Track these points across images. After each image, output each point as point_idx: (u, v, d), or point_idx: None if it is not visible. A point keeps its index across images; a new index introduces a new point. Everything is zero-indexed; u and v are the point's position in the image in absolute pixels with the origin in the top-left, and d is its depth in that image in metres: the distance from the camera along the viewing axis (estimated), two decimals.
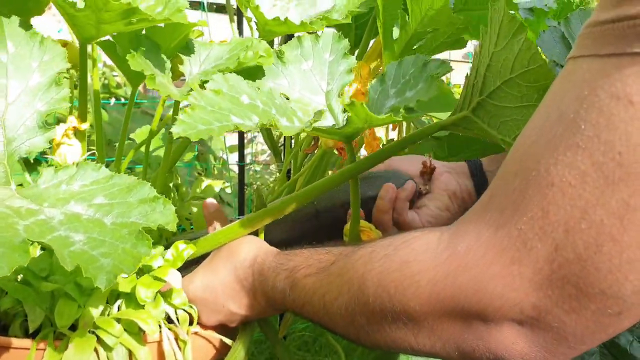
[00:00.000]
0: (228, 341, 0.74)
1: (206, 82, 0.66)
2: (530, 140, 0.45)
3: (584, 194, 0.40)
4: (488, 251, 0.44)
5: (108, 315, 0.68)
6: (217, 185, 1.19)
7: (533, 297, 0.43)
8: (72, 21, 0.67)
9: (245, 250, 0.73)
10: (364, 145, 0.96)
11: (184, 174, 1.58)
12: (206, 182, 1.20)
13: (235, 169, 1.67)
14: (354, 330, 0.56)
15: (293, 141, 1.13)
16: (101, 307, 0.67)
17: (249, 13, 0.87)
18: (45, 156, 0.89)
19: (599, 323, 0.42)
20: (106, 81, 1.78)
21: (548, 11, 0.77)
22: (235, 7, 1.22)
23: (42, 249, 0.71)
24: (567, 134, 0.41)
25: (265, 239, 0.79)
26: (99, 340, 0.65)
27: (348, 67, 0.76)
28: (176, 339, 0.70)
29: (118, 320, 0.67)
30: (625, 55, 0.39)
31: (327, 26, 0.84)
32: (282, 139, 1.36)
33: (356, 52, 1.06)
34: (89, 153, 0.83)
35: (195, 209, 1.11)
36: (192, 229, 1.14)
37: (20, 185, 0.91)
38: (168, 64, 0.76)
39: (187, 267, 0.77)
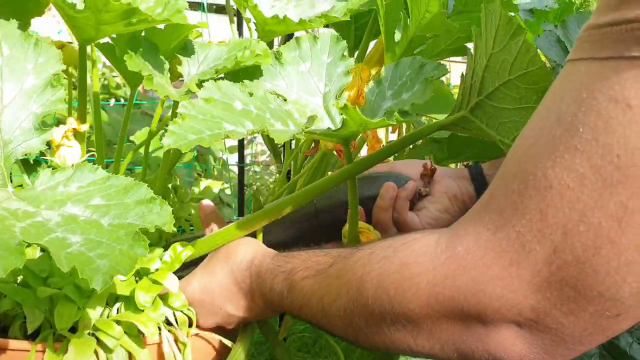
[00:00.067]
0: (228, 342, 0.74)
1: (204, 81, 0.65)
2: (529, 142, 0.45)
3: (582, 196, 0.40)
4: (487, 253, 0.45)
5: (107, 317, 0.68)
6: (217, 186, 1.19)
7: (532, 299, 0.43)
8: (71, 22, 0.66)
9: (242, 252, 0.73)
10: (365, 146, 0.96)
11: (183, 174, 1.58)
12: (205, 183, 1.20)
13: (235, 169, 1.67)
14: (353, 332, 0.56)
15: (293, 142, 1.13)
16: (100, 309, 0.67)
17: (247, 14, 0.87)
18: (45, 157, 0.89)
19: (597, 325, 0.43)
20: (106, 82, 1.78)
21: (549, 12, 0.77)
22: (235, 7, 1.22)
23: (42, 250, 0.71)
24: (566, 137, 0.41)
25: (265, 239, 0.79)
26: (99, 342, 0.65)
27: (346, 69, 0.76)
28: (176, 341, 0.70)
29: (118, 322, 0.67)
30: (623, 58, 0.39)
31: (326, 24, 0.84)
32: None
33: (356, 54, 1.06)
34: (88, 154, 0.83)
35: (194, 211, 1.11)
36: (192, 229, 1.14)
37: (20, 186, 0.92)
38: (166, 65, 0.76)
39: (186, 268, 0.77)
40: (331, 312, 0.57)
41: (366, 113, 0.71)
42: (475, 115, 0.65)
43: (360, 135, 0.86)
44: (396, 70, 0.72)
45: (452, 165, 1.76)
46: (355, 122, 0.61)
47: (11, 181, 1.25)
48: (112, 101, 1.79)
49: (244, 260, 0.71)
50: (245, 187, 1.46)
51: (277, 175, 1.68)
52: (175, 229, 1.04)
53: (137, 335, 0.68)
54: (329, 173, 1.06)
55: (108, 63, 1.10)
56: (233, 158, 1.86)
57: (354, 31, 1.05)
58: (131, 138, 1.27)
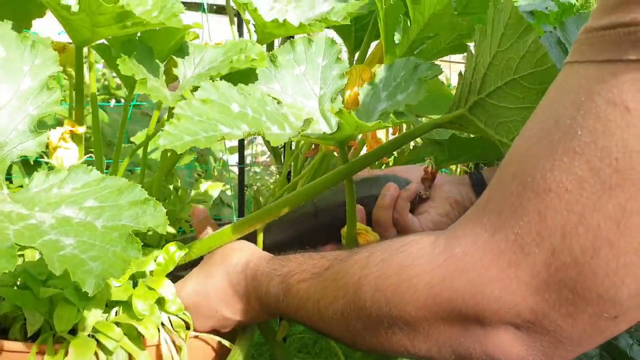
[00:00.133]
0: (227, 343, 0.74)
1: (198, 87, 0.65)
2: (528, 144, 0.45)
3: (580, 199, 0.40)
4: (485, 254, 0.45)
5: (107, 319, 0.68)
6: (217, 187, 1.19)
7: (530, 301, 0.43)
8: (67, 24, 0.66)
9: (237, 256, 0.73)
10: (365, 147, 0.95)
11: (183, 175, 1.58)
12: (206, 184, 1.20)
13: (236, 170, 1.67)
14: (350, 335, 0.56)
15: (293, 143, 1.13)
16: (100, 311, 0.67)
17: (247, 15, 0.87)
18: (43, 160, 0.89)
19: (596, 327, 0.42)
20: (106, 82, 1.78)
21: (549, 14, 0.77)
22: (235, 8, 1.22)
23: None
24: (564, 140, 0.41)
25: (265, 239, 0.79)
26: (99, 344, 0.65)
27: (341, 72, 0.76)
28: (174, 342, 0.70)
29: (117, 324, 0.67)
30: (621, 61, 0.39)
31: (327, 28, 0.83)
32: None
33: (356, 55, 1.06)
34: (87, 155, 0.83)
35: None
36: (192, 230, 1.14)
37: (20, 186, 0.92)
38: (161, 68, 0.75)
39: (185, 269, 0.77)
40: (328, 315, 0.57)
41: (361, 115, 0.71)
42: (473, 113, 0.65)
43: (361, 136, 0.86)
44: (390, 71, 0.71)
45: (453, 167, 1.76)
46: (350, 126, 0.60)
47: (11, 182, 1.25)
48: (113, 102, 1.79)
49: (239, 263, 0.72)
50: (245, 188, 1.46)
51: (278, 175, 1.68)
52: (175, 230, 1.05)
53: (137, 337, 0.68)
54: None
55: None
56: (233, 159, 1.86)
57: (355, 32, 1.04)
58: (132, 139, 1.27)
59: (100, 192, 0.60)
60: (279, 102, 0.73)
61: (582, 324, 0.42)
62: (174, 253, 0.74)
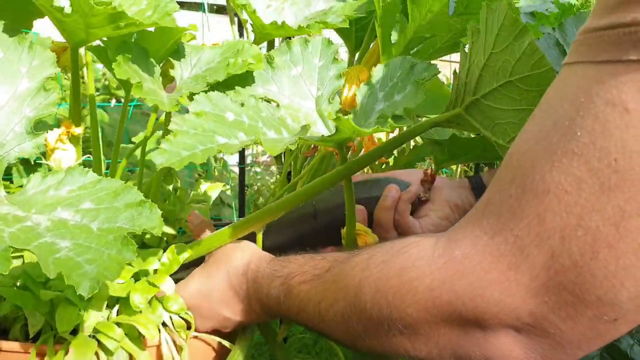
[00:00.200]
0: (227, 344, 0.74)
1: (195, 94, 0.65)
2: (526, 146, 0.45)
3: (579, 200, 0.40)
4: (485, 257, 0.45)
5: (108, 319, 0.69)
6: (217, 188, 1.19)
7: (530, 304, 0.43)
8: (61, 26, 0.66)
9: (238, 257, 0.73)
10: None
11: (184, 175, 1.58)
12: (206, 184, 1.20)
13: (236, 170, 1.67)
14: (350, 336, 0.56)
15: None
16: (101, 312, 0.68)
17: (244, 15, 0.86)
18: (41, 162, 0.90)
19: (595, 329, 0.42)
20: (107, 82, 1.78)
21: (549, 15, 0.76)
22: None
23: None
24: (563, 141, 0.41)
25: (264, 241, 0.79)
26: (100, 344, 0.65)
27: (338, 72, 0.76)
28: (174, 342, 0.70)
29: (118, 324, 0.67)
30: (620, 62, 0.39)
31: (325, 29, 0.83)
32: None
33: (357, 55, 1.06)
34: (86, 156, 0.83)
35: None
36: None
37: (20, 186, 0.92)
38: (157, 70, 0.75)
39: (185, 269, 0.77)
40: (328, 317, 0.57)
41: (359, 116, 0.71)
42: (469, 114, 0.64)
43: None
44: (387, 71, 0.71)
45: (453, 166, 1.75)
46: (348, 130, 0.60)
47: (12, 182, 1.25)
48: (113, 101, 1.79)
49: (240, 265, 0.72)
50: (246, 188, 1.46)
51: (278, 175, 1.68)
52: (175, 231, 1.05)
53: (137, 337, 0.68)
54: None
55: None
56: (234, 158, 1.86)
57: (355, 32, 1.04)
58: (133, 139, 1.27)
59: (97, 194, 0.60)
60: (276, 104, 0.73)
61: (582, 326, 0.42)
62: (179, 255, 0.74)
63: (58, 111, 1.24)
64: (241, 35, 1.34)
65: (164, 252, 0.76)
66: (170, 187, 1.09)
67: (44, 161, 0.77)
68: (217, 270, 0.73)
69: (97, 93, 1.79)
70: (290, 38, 0.84)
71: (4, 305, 0.69)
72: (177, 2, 0.72)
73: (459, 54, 0.97)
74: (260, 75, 0.75)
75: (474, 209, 0.49)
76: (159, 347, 0.69)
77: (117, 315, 0.69)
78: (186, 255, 0.75)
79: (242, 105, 0.67)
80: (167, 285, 0.72)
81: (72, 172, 0.61)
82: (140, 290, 0.69)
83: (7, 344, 0.66)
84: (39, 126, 0.65)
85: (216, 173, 1.72)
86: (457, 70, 0.66)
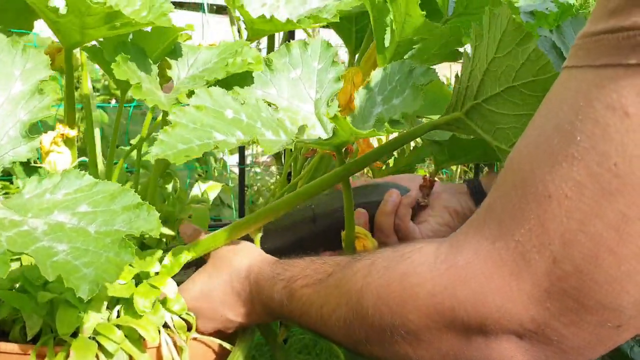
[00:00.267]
0: (227, 345, 0.74)
1: (193, 92, 0.65)
2: (527, 151, 0.45)
3: (580, 205, 0.40)
4: (486, 263, 0.44)
5: (109, 320, 0.69)
6: (216, 188, 1.18)
7: (532, 310, 0.43)
8: (55, 27, 0.66)
9: (240, 260, 0.73)
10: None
11: (184, 176, 1.58)
12: (205, 185, 1.20)
13: (236, 170, 1.67)
14: (352, 342, 0.56)
15: None
16: (101, 313, 0.68)
17: (237, 13, 0.86)
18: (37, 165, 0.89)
19: (598, 336, 0.42)
20: (106, 82, 1.77)
21: (549, 15, 0.76)
22: None
23: None
24: (563, 145, 0.41)
25: (263, 245, 0.79)
26: (100, 346, 0.65)
27: (337, 75, 0.75)
28: (174, 344, 0.70)
29: (119, 326, 0.67)
30: (620, 66, 0.39)
31: (325, 27, 0.82)
32: None
33: (357, 56, 1.05)
34: (82, 157, 0.82)
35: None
36: None
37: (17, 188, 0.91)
38: (155, 70, 0.75)
39: (184, 269, 0.77)
40: (330, 321, 0.57)
41: (357, 119, 0.71)
42: (470, 117, 0.64)
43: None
44: (385, 74, 0.71)
45: (453, 167, 1.75)
46: (345, 132, 0.60)
47: (12, 182, 1.25)
48: (113, 102, 1.79)
49: (242, 267, 0.72)
50: (246, 188, 1.46)
51: (278, 176, 1.67)
52: (174, 232, 1.04)
53: (137, 339, 0.68)
54: None
55: None
56: (234, 159, 1.86)
57: (355, 34, 1.04)
58: (132, 141, 1.27)
59: (93, 197, 0.60)
60: (274, 107, 0.72)
61: (584, 333, 0.42)
62: (180, 256, 0.74)
63: (59, 112, 1.23)
64: (241, 36, 1.33)
65: (164, 252, 0.76)
66: (170, 188, 1.09)
67: (39, 164, 0.77)
68: (219, 272, 0.73)
69: (97, 93, 1.79)
70: (289, 40, 0.84)
71: (2, 307, 0.69)
72: (177, 2, 0.72)
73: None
74: (259, 78, 0.74)
75: (475, 215, 0.48)
76: (159, 348, 0.69)
77: (119, 316, 0.69)
78: (188, 258, 0.75)
79: (243, 103, 0.67)
80: (169, 287, 0.72)
81: (68, 175, 0.61)
82: (144, 294, 0.69)
83: (6, 346, 0.66)
84: (38, 128, 0.65)
85: (216, 173, 1.72)
86: (459, 73, 0.65)
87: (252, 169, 1.89)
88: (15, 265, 0.71)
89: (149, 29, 0.72)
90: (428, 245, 0.51)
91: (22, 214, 0.58)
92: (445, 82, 1.14)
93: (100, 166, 0.96)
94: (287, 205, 0.74)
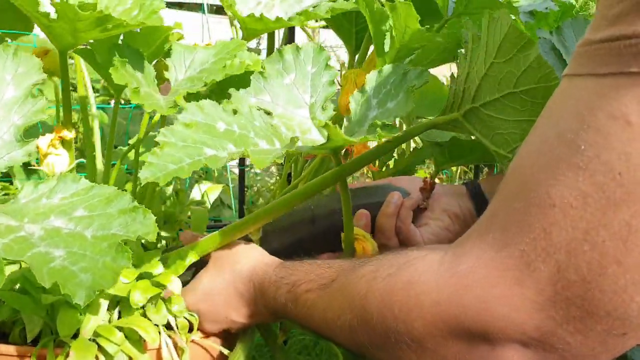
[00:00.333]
0: (225, 351, 0.75)
1: (191, 94, 0.64)
2: (530, 159, 0.45)
3: (585, 215, 0.40)
4: (491, 272, 0.44)
5: (109, 322, 0.69)
6: (217, 190, 1.18)
7: (536, 319, 0.42)
8: (48, 31, 0.66)
9: (242, 261, 0.73)
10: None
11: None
12: (205, 186, 1.19)
13: (236, 171, 1.66)
14: (357, 347, 0.57)
15: None
16: (102, 314, 0.68)
17: (229, 12, 0.86)
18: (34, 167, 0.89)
19: (604, 344, 0.42)
20: (106, 83, 1.75)
21: (549, 15, 0.75)
22: None
23: None
24: (567, 155, 0.41)
25: (262, 245, 0.79)
26: (100, 348, 0.65)
27: (330, 79, 0.75)
28: (175, 346, 0.70)
29: (119, 328, 0.67)
30: (622, 74, 0.39)
31: (306, 21, 0.82)
32: None
33: (357, 57, 1.05)
34: (81, 159, 0.82)
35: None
36: None
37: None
38: (152, 72, 0.74)
39: (186, 269, 0.77)
40: (335, 326, 0.57)
41: (353, 123, 0.70)
42: (468, 120, 0.64)
43: None
44: (380, 78, 0.70)
45: (453, 168, 1.74)
46: (338, 139, 0.59)
47: (12, 183, 1.24)
48: (113, 102, 1.78)
49: (245, 270, 0.72)
50: (246, 189, 1.46)
51: (278, 177, 1.67)
52: (174, 233, 1.04)
53: (138, 341, 0.68)
54: None
55: None
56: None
57: (355, 34, 1.03)
58: (131, 142, 1.26)
59: (89, 201, 0.60)
60: (269, 114, 0.72)
61: (590, 341, 0.41)
62: (184, 258, 0.74)
63: (45, 118, 1.22)
64: (238, 36, 1.33)
65: (164, 253, 0.76)
66: (170, 189, 1.09)
67: (37, 167, 0.76)
68: (221, 273, 0.73)
69: (97, 94, 1.78)
70: (289, 40, 0.83)
71: (2, 309, 0.69)
72: (177, 2, 0.71)
73: None
74: (253, 85, 0.74)
75: (479, 223, 0.48)
76: (159, 350, 0.69)
77: (120, 317, 0.69)
78: (193, 260, 0.75)
79: (235, 113, 0.67)
80: (174, 284, 0.72)
81: (64, 179, 0.61)
82: (142, 289, 0.69)
83: (6, 348, 0.66)
84: (37, 130, 0.64)
85: (216, 174, 1.71)
86: (455, 74, 0.64)
87: (252, 170, 1.88)
88: (15, 267, 0.71)
89: (137, 29, 0.71)
90: (432, 253, 0.51)
91: (19, 219, 0.58)
92: (445, 82, 1.14)
93: (100, 166, 0.95)
94: (286, 205, 0.73)
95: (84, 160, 0.91)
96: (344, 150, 0.89)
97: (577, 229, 0.40)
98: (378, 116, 0.67)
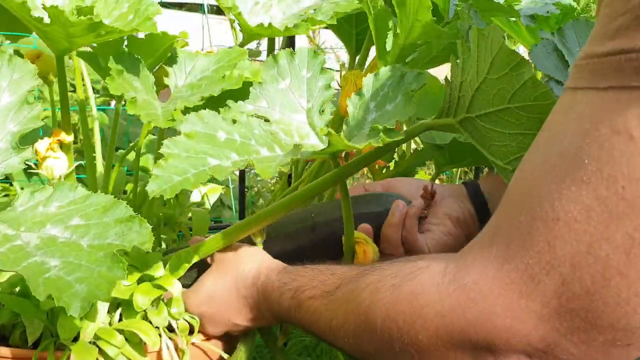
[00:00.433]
0: (225, 356, 0.75)
1: (189, 109, 0.64)
2: (533, 173, 0.45)
3: (589, 228, 0.40)
4: (495, 285, 0.45)
5: (110, 324, 0.69)
6: (217, 192, 1.18)
7: (541, 330, 0.43)
8: (43, 35, 0.65)
9: (245, 264, 0.73)
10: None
11: None
12: (206, 187, 1.19)
13: (236, 171, 1.65)
14: (361, 354, 0.57)
15: None
16: (102, 317, 0.68)
17: (231, 16, 0.85)
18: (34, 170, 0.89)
19: (608, 355, 0.42)
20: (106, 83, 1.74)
21: (550, 17, 0.75)
22: None
23: None
24: (571, 169, 0.41)
25: (264, 249, 0.78)
26: (100, 351, 0.65)
27: (326, 83, 0.74)
28: (176, 348, 0.70)
29: (120, 330, 0.67)
30: (624, 89, 0.39)
31: (312, 27, 0.81)
32: None
33: (357, 59, 1.04)
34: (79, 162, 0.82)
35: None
36: (192, 235, 1.13)
37: (21, 188, 0.90)
38: (152, 79, 0.74)
39: (187, 270, 0.77)
40: (339, 334, 0.58)
41: (351, 127, 0.70)
42: (464, 127, 0.63)
43: None
44: (377, 80, 0.70)
45: (454, 170, 1.73)
46: (340, 144, 0.59)
47: (12, 184, 1.24)
48: (113, 103, 1.78)
49: (249, 274, 0.72)
50: (246, 189, 1.45)
51: (278, 178, 1.66)
52: (174, 235, 1.03)
53: (138, 343, 0.68)
54: None
55: None
56: None
57: (356, 36, 1.02)
58: (132, 143, 1.26)
59: (86, 209, 0.59)
60: (267, 120, 0.72)
61: (594, 352, 0.42)
62: (185, 260, 0.73)
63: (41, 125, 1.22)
64: (236, 37, 1.32)
65: (164, 255, 0.76)
66: None
67: (35, 170, 0.76)
68: (224, 276, 0.73)
69: (97, 95, 1.78)
70: (289, 40, 0.82)
71: (3, 312, 0.69)
72: (177, 3, 0.71)
73: None
74: (249, 93, 0.74)
75: (482, 234, 0.49)
76: (159, 352, 0.69)
77: (120, 320, 0.69)
78: (192, 261, 0.75)
79: (234, 122, 0.66)
80: (175, 287, 0.72)
81: (61, 187, 0.60)
82: (144, 292, 0.69)
83: (7, 351, 0.66)
84: (37, 133, 0.64)
85: None
86: (449, 78, 0.64)
87: (252, 170, 1.87)
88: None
89: (141, 35, 0.71)
90: (435, 264, 0.51)
91: (15, 228, 0.57)
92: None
93: (100, 168, 0.95)
94: (286, 207, 0.73)
95: (84, 162, 0.91)
96: (343, 153, 0.88)
97: (581, 242, 0.40)
98: (377, 119, 0.66)
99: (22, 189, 0.98)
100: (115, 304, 0.70)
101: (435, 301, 0.48)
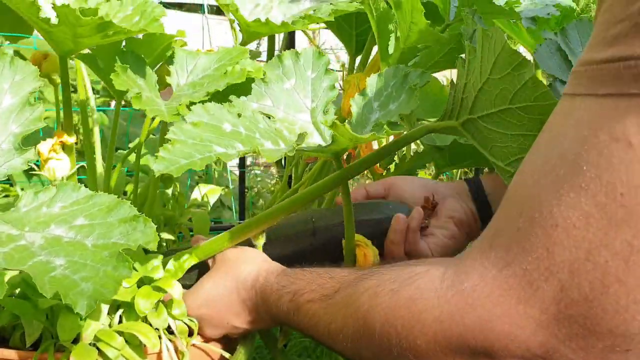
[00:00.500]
0: (226, 355, 0.75)
1: (194, 103, 0.64)
2: (532, 180, 0.45)
3: (587, 235, 0.40)
4: (494, 290, 0.45)
5: (110, 326, 0.69)
6: (217, 192, 1.18)
7: (540, 336, 0.43)
8: (49, 36, 0.65)
9: (245, 267, 0.73)
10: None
11: (184, 179, 1.57)
12: (206, 188, 1.19)
13: (236, 171, 1.66)
14: (360, 358, 0.57)
15: None
16: (102, 319, 0.67)
17: (231, 16, 0.85)
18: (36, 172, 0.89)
19: None
20: (107, 86, 1.74)
21: (550, 19, 0.75)
22: None
23: None
24: (570, 175, 0.41)
25: (264, 252, 0.78)
26: (100, 352, 0.65)
27: (331, 83, 0.75)
28: (176, 349, 0.70)
29: (120, 332, 0.67)
30: (622, 96, 0.39)
31: (309, 24, 0.81)
32: None
33: (358, 60, 1.04)
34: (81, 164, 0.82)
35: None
36: (192, 235, 1.13)
37: (21, 189, 0.90)
38: (154, 77, 0.74)
39: (187, 272, 0.77)
40: (338, 339, 0.58)
41: (355, 126, 0.70)
42: (466, 129, 0.64)
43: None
44: (380, 81, 0.70)
45: (454, 171, 1.74)
46: (345, 138, 0.60)
47: (12, 185, 1.24)
48: (113, 103, 1.78)
49: (248, 277, 0.72)
50: (246, 190, 1.46)
51: (278, 178, 1.67)
52: (174, 236, 1.03)
53: (138, 345, 0.68)
54: None
55: None
56: (233, 161, 1.84)
57: (356, 37, 1.03)
58: (131, 144, 1.26)
59: (90, 209, 0.59)
60: (270, 118, 0.72)
61: (593, 358, 0.42)
62: (184, 261, 0.73)
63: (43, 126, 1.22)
64: (236, 37, 1.32)
65: (165, 256, 0.76)
66: (170, 192, 1.09)
67: (38, 171, 0.76)
68: (224, 279, 0.73)
69: (97, 95, 1.78)
70: (290, 41, 0.82)
71: (2, 314, 0.68)
72: (177, 3, 0.71)
73: None
74: (254, 91, 0.74)
75: (481, 239, 0.49)
76: (159, 354, 0.69)
77: (120, 321, 0.69)
78: (192, 263, 0.75)
79: (239, 116, 0.67)
80: (175, 289, 0.72)
81: (65, 187, 0.61)
82: (145, 295, 0.69)
83: (7, 352, 0.66)
84: (38, 135, 0.64)
85: (216, 175, 1.71)
86: (454, 80, 0.64)
87: (252, 171, 1.88)
88: (15, 272, 0.70)
89: (140, 35, 0.71)
90: (434, 269, 0.51)
91: (20, 228, 0.57)
92: (446, 83, 1.13)
93: (100, 169, 0.95)
94: (287, 209, 0.74)
95: (84, 162, 0.91)
96: (346, 155, 0.89)
97: (580, 248, 0.40)
98: (380, 118, 0.67)
99: (22, 189, 0.98)
100: (115, 306, 0.70)
101: (434, 306, 0.48)
